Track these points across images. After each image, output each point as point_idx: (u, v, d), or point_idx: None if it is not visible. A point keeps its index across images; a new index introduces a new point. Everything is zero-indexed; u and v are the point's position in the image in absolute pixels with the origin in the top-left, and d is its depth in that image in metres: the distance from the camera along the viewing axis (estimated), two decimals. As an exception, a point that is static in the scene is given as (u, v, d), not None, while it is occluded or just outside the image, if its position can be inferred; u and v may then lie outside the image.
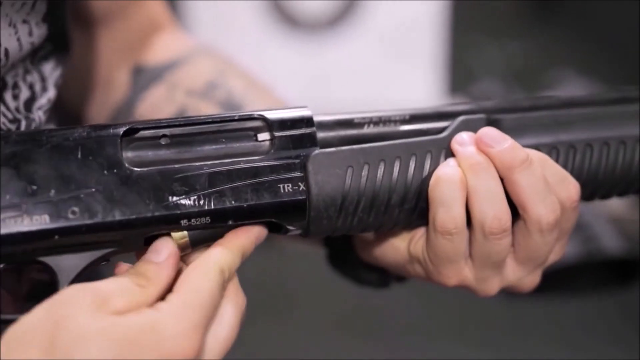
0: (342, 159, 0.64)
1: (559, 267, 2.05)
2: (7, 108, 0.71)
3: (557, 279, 1.95)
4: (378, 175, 0.65)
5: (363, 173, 0.64)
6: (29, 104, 0.73)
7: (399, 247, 0.70)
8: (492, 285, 0.69)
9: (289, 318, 1.85)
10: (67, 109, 0.89)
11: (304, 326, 1.85)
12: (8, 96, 0.72)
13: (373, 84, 2.20)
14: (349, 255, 0.75)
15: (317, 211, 0.63)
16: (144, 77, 0.87)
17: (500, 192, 0.65)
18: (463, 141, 0.66)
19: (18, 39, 0.70)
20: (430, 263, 0.68)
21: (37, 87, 0.74)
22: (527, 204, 0.65)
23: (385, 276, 0.76)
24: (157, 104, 0.84)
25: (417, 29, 2.21)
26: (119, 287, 0.57)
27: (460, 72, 2.31)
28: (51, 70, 0.75)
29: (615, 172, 0.70)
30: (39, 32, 0.72)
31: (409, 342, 1.85)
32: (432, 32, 2.21)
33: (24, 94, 0.73)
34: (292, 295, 1.90)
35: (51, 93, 0.75)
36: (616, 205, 2.09)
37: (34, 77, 0.74)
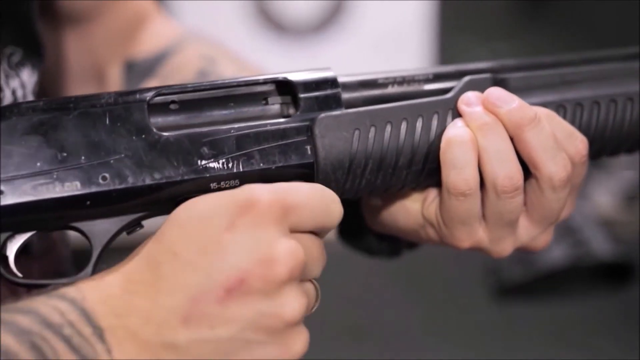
0: (348, 121, 0.64)
1: (549, 270, 2.05)
2: None
3: (548, 282, 1.95)
4: (385, 137, 0.65)
5: (370, 135, 0.64)
6: None
7: (411, 211, 0.69)
8: (506, 246, 0.68)
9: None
10: None
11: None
12: None
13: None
14: (359, 227, 0.74)
15: (325, 174, 0.63)
16: (136, 72, 0.87)
17: (511, 151, 0.65)
18: (470, 101, 0.66)
19: None
20: (444, 226, 0.67)
21: (19, 94, 0.74)
22: (538, 162, 0.65)
23: (396, 244, 0.75)
24: None
25: (405, 31, 2.21)
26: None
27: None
28: (29, 77, 0.75)
29: (622, 129, 0.70)
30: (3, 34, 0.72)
31: (405, 343, 1.85)
32: (421, 34, 2.21)
33: (7, 99, 0.73)
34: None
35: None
36: (606, 208, 2.09)
37: (15, 83, 0.73)
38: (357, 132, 0.64)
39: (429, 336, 1.89)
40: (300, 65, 2.44)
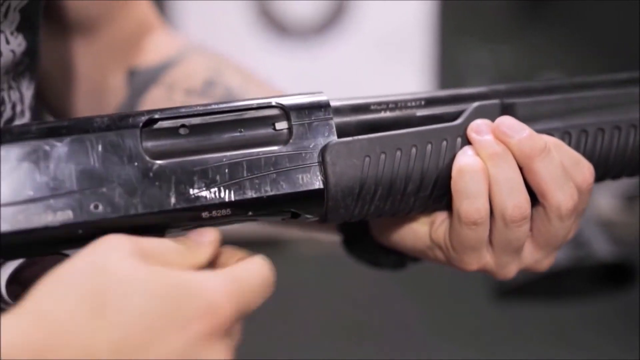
0: (359, 148, 0.64)
1: (550, 271, 2.05)
2: None
3: (548, 283, 1.96)
4: (395, 164, 0.65)
5: (380, 162, 0.65)
6: (8, 124, 0.73)
7: (419, 233, 0.70)
8: (511, 269, 0.69)
9: (286, 320, 1.85)
10: (55, 115, 0.89)
11: (301, 328, 1.85)
12: None
13: (362, 88, 2.20)
14: (364, 240, 0.75)
15: (335, 201, 0.64)
16: (139, 80, 0.86)
17: (520, 181, 0.66)
18: (480, 129, 0.66)
19: None
20: (452, 250, 0.68)
21: (18, 109, 0.74)
22: (546, 192, 0.66)
23: (401, 258, 0.76)
24: (157, 106, 0.84)
25: (407, 33, 2.21)
26: (162, 244, 0.58)
27: (450, 75, 2.31)
28: (26, 89, 0.75)
29: (625, 154, 0.71)
30: (16, 42, 0.72)
31: (406, 343, 1.85)
32: (422, 36, 2.21)
33: (7, 113, 0.73)
34: (289, 297, 1.90)
35: (26, 119, 0.75)
36: (606, 209, 2.09)
37: (15, 96, 0.74)
38: (367, 158, 0.64)
39: (431, 336, 1.89)
40: (302, 66, 2.43)
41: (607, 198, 2.10)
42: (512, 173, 0.65)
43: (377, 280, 1.98)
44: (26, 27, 0.73)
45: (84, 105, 0.88)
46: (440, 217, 0.69)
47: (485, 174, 0.65)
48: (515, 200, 0.65)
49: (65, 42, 0.85)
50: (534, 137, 0.66)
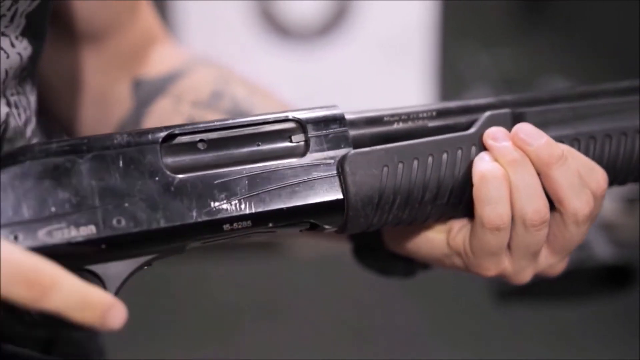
0: (377, 158, 0.66)
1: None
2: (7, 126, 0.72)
3: (549, 285, 1.96)
4: (412, 173, 0.66)
5: (398, 171, 0.66)
6: (21, 129, 0.73)
7: (435, 242, 0.71)
8: (527, 274, 0.71)
9: (284, 322, 1.85)
10: (58, 125, 0.89)
11: (300, 331, 1.85)
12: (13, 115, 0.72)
13: (364, 91, 2.21)
14: (376, 248, 0.76)
15: (355, 210, 0.65)
16: (145, 90, 0.87)
17: (539, 187, 0.67)
18: (497, 136, 0.68)
19: (5, 51, 0.71)
20: (472, 256, 0.69)
21: (28, 114, 0.74)
22: (563, 199, 0.67)
23: (411, 266, 0.77)
24: (164, 117, 0.85)
25: (409, 35, 2.21)
26: None
27: (452, 79, 2.32)
28: (30, 94, 0.75)
29: (632, 160, 0.72)
30: (22, 46, 0.72)
31: (407, 345, 1.85)
32: (424, 38, 2.21)
33: (21, 118, 0.73)
34: (288, 299, 1.90)
35: (33, 124, 0.76)
36: (606, 212, 2.09)
37: (24, 102, 0.74)
38: (385, 168, 0.66)
39: (432, 338, 1.89)
40: (303, 68, 2.44)
41: (608, 201, 2.10)
42: (532, 179, 0.67)
43: (376, 283, 1.98)
44: (31, 32, 0.73)
45: (89, 115, 0.88)
46: (458, 224, 0.70)
47: (507, 180, 0.66)
48: (534, 205, 0.67)
49: (72, 51, 0.85)
50: (552, 145, 0.67)
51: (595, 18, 2.59)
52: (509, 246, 0.69)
